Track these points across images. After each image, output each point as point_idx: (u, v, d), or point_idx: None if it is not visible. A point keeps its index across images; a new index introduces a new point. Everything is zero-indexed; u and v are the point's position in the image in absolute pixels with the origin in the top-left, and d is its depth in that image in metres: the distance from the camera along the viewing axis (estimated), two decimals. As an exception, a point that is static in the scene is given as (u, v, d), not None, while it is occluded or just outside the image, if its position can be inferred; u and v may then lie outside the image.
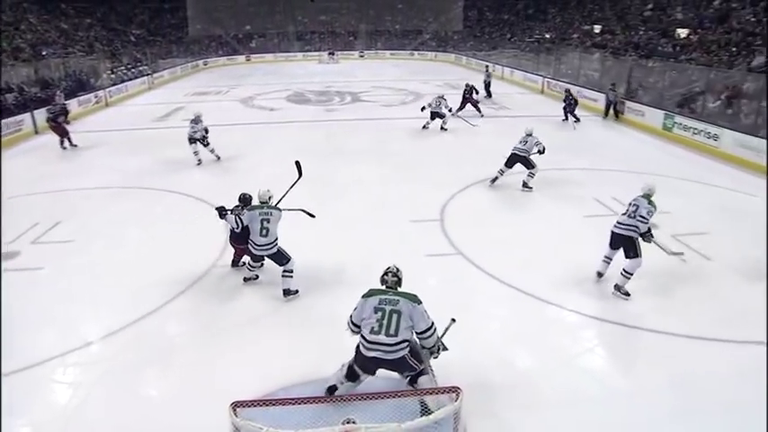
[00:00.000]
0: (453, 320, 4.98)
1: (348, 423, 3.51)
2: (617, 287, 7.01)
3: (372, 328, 4.54)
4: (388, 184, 11.36)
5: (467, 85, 18.60)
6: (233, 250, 7.59)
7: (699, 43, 20.28)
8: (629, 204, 6.99)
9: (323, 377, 5.21)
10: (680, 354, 6.02)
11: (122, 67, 27.84)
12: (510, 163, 10.99)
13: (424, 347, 4.73)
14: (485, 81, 21.95)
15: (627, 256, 6.89)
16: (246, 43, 45.84)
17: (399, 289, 4.78)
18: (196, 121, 12.65)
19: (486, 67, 23.81)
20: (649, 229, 6.77)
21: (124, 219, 9.63)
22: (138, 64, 29.63)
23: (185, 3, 45.65)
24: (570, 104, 17.79)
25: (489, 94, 21.85)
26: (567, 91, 18.53)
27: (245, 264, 7.46)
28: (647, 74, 19.28)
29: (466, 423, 4.37)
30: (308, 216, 7.58)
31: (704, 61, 18.24)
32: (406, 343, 4.54)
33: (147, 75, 28.40)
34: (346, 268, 7.60)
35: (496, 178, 11.18)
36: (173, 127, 17.06)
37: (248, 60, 42.42)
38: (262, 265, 7.29)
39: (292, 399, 3.63)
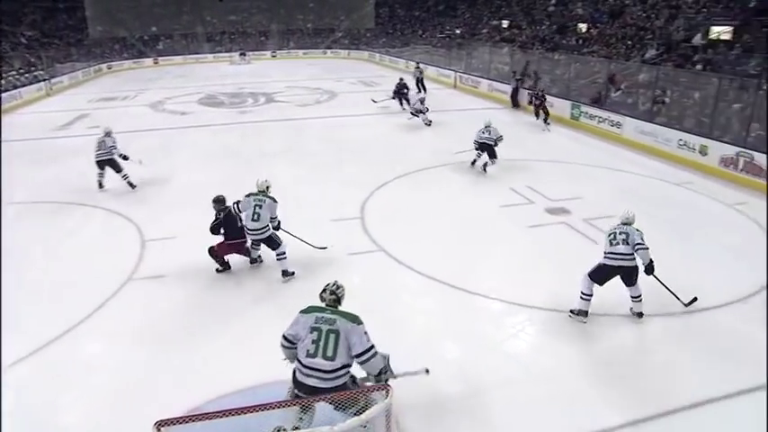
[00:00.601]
0: (427, 371, 4.80)
1: (279, 431, 3.42)
2: (636, 313, 6.56)
3: (308, 350, 4.14)
4: (307, 184, 11.26)
5: (400, 80, 18.99)
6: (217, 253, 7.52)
7: (599, 36, 21.39)
8: (612, 235, 6.48)
9: (251, 386, 5.12)
10: (597, 331, 6.32)
11: (14, 72, 25.87)
12: (481, 149, 11.93)
13: (368, 374, 4.37)
14: (417, 77, 21.98)
15: (628, 284, 6.44)
16: (153, 45, 44.03)
17: (339, 308, 4.40)
18: (103, 141, 10.86)
19: (418, 64, 23.67)
20: (651, 260, 6.35)
21: (32, 235, 9.01)
22: (33, 68, 27.72)
23: (83, 2, 43.21)
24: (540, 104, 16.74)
25: (424, 89, 21.87)
26: (535, 90, 17.69)
27: (222, 269, 7.59)
28: (554, 66, 20.11)
29: (398, 417, 4.38)
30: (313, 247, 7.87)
31: (604, 54, 19.24)
32: (347, 369, 4.17)
33: (44, 80, 26.53)
34: (266, 274, 7.49)
35: (475, 161, 12.16)
36: (76, 135, 16.13)
37: (156, 63, 40.78)
38: (259, 247, 7.61)
39: (219, 411, 3.48)
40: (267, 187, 7.37)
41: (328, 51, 44.33)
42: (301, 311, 4.37)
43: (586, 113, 16.57)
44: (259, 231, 7.12)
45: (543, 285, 7.28)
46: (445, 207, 10.07)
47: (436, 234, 8.80)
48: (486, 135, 11.94)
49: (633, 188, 11.30)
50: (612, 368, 5.69)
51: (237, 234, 7.39)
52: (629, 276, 6.36)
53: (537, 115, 16.74)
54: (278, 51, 43.79)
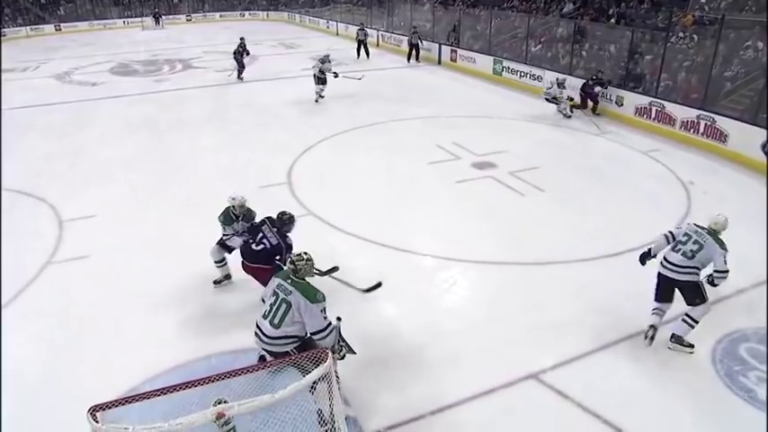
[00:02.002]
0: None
1: (220, 403, 3.33)
2: (676, 338, 5.30)
3: (264, 311, 4.23)
4: (231, 151, 10.91)
5: (241, 40, 17.74)
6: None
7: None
8: (685, 237, 5.22)
9: (188, 361, 5.01)
10: (526, 280, 6.54)
11: None
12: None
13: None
14: (359, 40, 21.36)
15: (691, 304, 5.22)
16: (53, 10, 40.85)
17: (298, 279, 4.26)
18: None
19: (362, 24, 22.73)
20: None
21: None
22: None
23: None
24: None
25: (367, 53, 21.25)
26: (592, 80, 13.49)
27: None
28: (475, 22, 20.20)
29: (342, 380, 4.39)
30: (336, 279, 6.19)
31: (524, 9, 19.44)
32: (292, 339, 4.16)
33: None
34: (196, 244, 7.24)
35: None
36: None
37: (59, 30, 37.87)
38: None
39: (157, 390, 3.35)
40: (233, 206, 6.08)
41: (246, 13, 42.67)
42: (275, 274, 4.48)
43: (508, 68, 16.81)
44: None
45: (473, 239, 7.44)
46: (372, 167, 10.04)
47: (365, 195, 8.79)
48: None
49: (555, 140, 11.65)
50: (544, 312, 5.93)
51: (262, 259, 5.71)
52: (689, 292, 5.18)
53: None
54: (193, 15, 41.79)
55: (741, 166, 10.03)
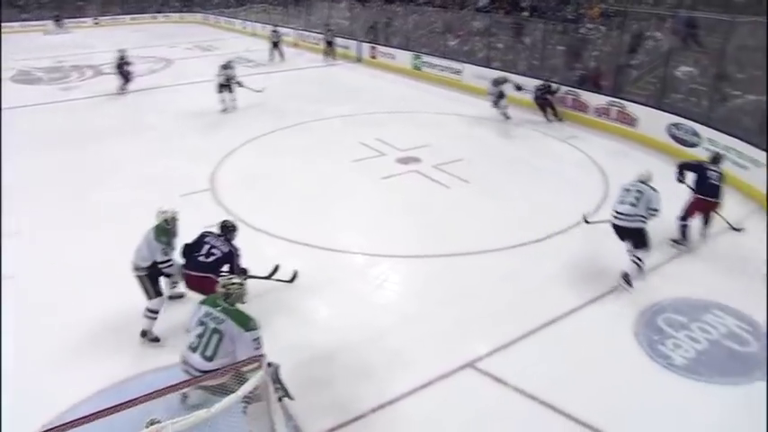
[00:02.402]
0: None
1: (153, 424, 3.16)
2: (625, 276, 6.13)
3: (191, 343, 4.00)
4: (150, 160, 10.45)
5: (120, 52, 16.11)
6: None
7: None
8: (626, 191, 6.24)
9: (117, 383, 4.79)
10: (457, 271, 6.64)
11: None
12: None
13: None
14: (273, 42, 20.56)
15: (636, 247, 6.17)
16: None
17: (229, 305, 4.06)
18: None
19: (275, 26, 21.97)
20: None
21: None
22: None
23: None
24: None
25: (281, 55, 20.49)
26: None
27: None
28: (393, 18, 20.30)
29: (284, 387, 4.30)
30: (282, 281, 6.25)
31: (440, 3, 19.71)
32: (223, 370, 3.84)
33: None
34: (116, 263, 6.90)
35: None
36: None
37: (-52, 38, 35.29)
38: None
39: (83, 417, 3.12)
40: (165, 220, 5.38)
41: (158, 15, 41.12)
42: (200, 301, 4.20)
43: (427, 63, 17.03)
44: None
45: (402, 234, 7.48)
46: (297, 168, 9.88)
47: (291, 196, 8.65)
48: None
49: (476, 132, 11.91)
50: (476, 301, 6.03)
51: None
52: (635, 238, 6.12)
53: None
54: (100, 18, 39.86)
55: (649, 148, 10.60)
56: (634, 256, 6.15)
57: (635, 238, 6.12)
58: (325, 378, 4.97)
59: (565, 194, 8.62)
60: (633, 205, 6.06)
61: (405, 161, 10.06)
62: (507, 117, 12.34)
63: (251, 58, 20.58)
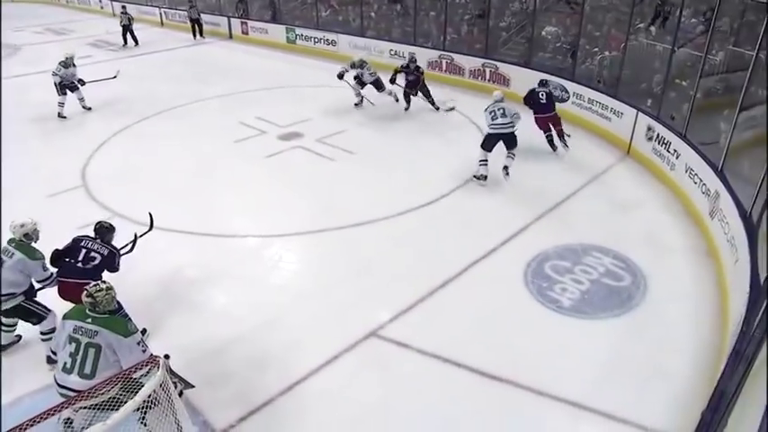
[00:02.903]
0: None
1: None
2: (507, 169, 7.76)
3: (64, 364, 3.61)
4: (8, 159, 9.34)
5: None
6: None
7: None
8: (492, 112, 7.74)
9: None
10: (350, 242, 6.62)
11: None
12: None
13: None
14: (123, 25, 18.41)
15: (510, 147, 7.76)
16: None
17: (99, 314, 3.68)
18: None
19: (124, 7, 19.98)
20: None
21: None
22: None
23: None
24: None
25: (135, 41, 18.56)
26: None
27: None
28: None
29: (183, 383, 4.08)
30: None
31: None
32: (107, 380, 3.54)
33: None
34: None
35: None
36: None
37: None
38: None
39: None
40: (26, 234, 4.74)
41: (-4, -2, 37.06)
42: (63, 316, 3.78)
43: (302, 36, 16.67)
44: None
45: (291, 211, 7.34)
46: (175, 155, 9.32)
47: (172, 185, 8.15)
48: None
49: (354, 100, 11.82)
50: (372, 270, 6.06)
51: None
52: (509, 141, 7.74)
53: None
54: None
55: (523, 106, 11.08)
56: (510, 153, 7.76)
57: (511, 140, 7.73)
58: (228, 368, 4.78)
59: (447, 156, 8.83)
60: (504, 116, 7.68)
61: (287, 137, 9.82)
62: (397, 100, 11.36)
63: (112, 42, 19.09)
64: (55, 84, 11.07)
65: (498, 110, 7.75)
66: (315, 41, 16.25)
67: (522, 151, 8.15)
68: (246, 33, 18.60)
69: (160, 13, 22.78)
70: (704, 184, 6.59)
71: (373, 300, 5.60)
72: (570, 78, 10.38)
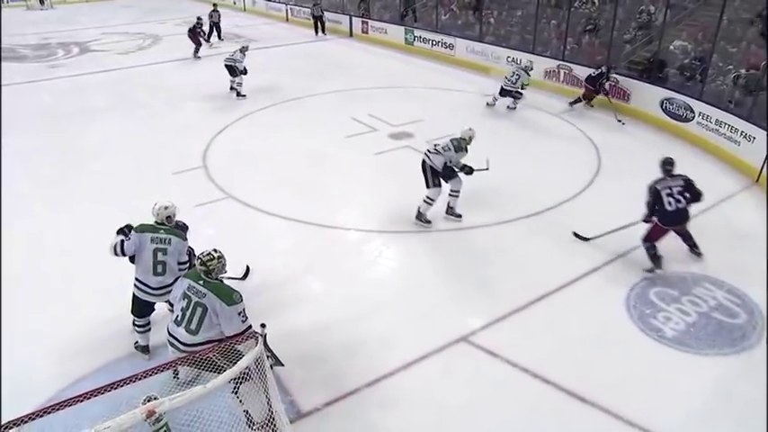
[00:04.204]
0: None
1: (150, 401, 3.16)
2: (450, 209, 7.08)
3: (177, 317, 3.96)
4: (141, 138, 10.30)
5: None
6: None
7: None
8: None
9: (109, 362, 4.79)
10: (449, 245, 6.66)
11: None
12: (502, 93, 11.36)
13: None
14: (213, 22, 19.14)
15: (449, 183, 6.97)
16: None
17: (210, 279, 3.97)
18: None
19: (215, 6, 21.01)
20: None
21: None
22: None
23: None
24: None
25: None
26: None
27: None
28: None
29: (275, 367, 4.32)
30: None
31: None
32: (213, 344, 3.83)
33: None
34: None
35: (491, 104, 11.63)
36: None
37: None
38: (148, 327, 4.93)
39: (79, 396, 3.09)
40: (168, 216, 4.77)
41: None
42: (183, 275, 4.16)
43: (420, 37, 16.85)
44: (166, 289, 4.62)
45: (395, 209, 7.47)
46: (289, 144, 9.81)
47: (284, 173, 8.61)
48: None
49: (469, 105, 11.82)
50: (468, 275, 6.07)
51: None
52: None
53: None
54: (86, -7, 39.04)
55: (643, 123, 10.59)
56: (452, 191, 7.14)
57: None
58: (318, 354, 4.98)
59: (558, 168, 8.65)
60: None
61: (397, 137, 10.01)
62: (513, 108, 11.48)
63: (241, 35, 20.29)
64: (228, 67, 12.37)
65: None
66: (433, 44, 16.38)
67: (635, 170, 7.82)
68: (366, 32, 19.09)
69: (286, 10, 23.88)
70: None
71: (467, 305, 5.61)
72: (697, 97, 9.78)
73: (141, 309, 4.78)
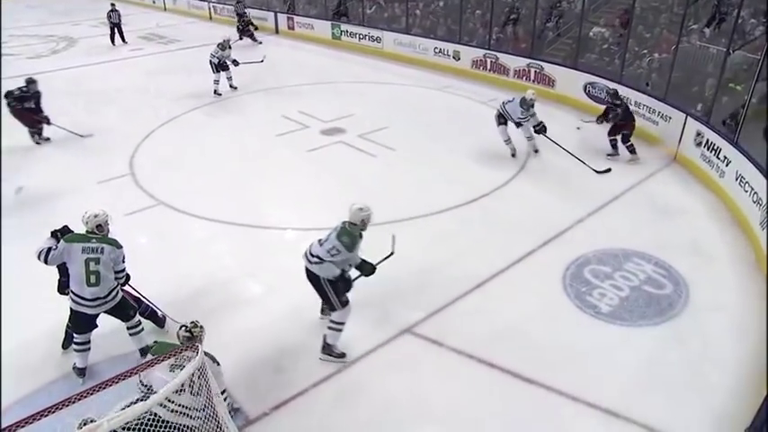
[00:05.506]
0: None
1: (86, 424, 2.96)
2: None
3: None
4: (62, 148, 9.75)
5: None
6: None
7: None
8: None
9: (38, 388, 4.52)
10: (387, 239, 6.64)
11: None
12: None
13: None
14: (111, 23, 17.99)
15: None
16: None
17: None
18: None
19: (112, 5, 19.59)
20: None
21: None
22: None
23: None
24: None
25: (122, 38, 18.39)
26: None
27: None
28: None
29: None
30: None
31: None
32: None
33: None
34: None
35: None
36: None
37: None
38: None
39: (5, 428, 2.82)
40: (99, 225, 4.51)
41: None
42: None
43: (347, 32, 16.78)
44: (102, 300, 4.45)
45: (332, 205, 7.32)
46: (219, 147, 9.53)
47: (216, 176, 8.35)
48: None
49: (399, 98, 11.90)
50: (409, 266, 6.04)
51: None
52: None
53: None
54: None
55: (567, 106, 10.93)
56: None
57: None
58: (262, 356, 4.90)
59: (488, 156, 8.78)
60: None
61: (329, 132, 9.93)
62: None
63: (162, 35, 19.61)
64: (211, 63, 12.11)
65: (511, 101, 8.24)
66: (360, 38, 16.34)
67: (564, 153, 8.08)
68: (293, 28, 18.83)
69: (209, 8, 23.22)
70: (755, 192, 6.38)
71: (409, 297, 5.61)
72: (617, 81, 10.17)
73: (80, 324, 4.54)
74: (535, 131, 8.42)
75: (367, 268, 4.88)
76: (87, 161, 9.01)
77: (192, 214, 7.22)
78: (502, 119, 8.58)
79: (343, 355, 4.84)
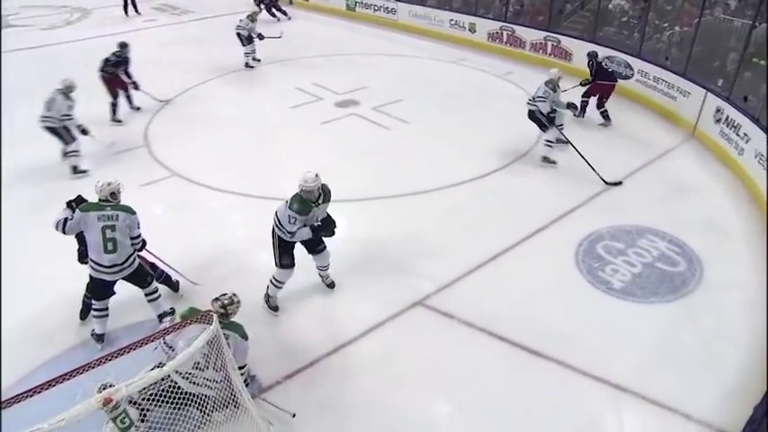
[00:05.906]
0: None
1: (105, 388, 3.03)
2: (545, 158, 7.63)
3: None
4: (80, 119, 9.76)
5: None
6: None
7: None
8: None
9: (59, 354, 4.62)
10: (403, 211, 6.66)
11: None
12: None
13: None
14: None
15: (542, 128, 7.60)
16: None
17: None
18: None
19: None
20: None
21: None
22: None
23: None
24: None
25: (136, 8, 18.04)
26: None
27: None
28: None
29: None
30: None
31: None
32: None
33: None
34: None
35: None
36: None
37: None
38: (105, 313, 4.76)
39: (29, 391, 2.90)
40: (113, 192, 4.59)
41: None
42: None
43: (362, 3, 16.56)
44: (120, 267, 4.56)
45: (345, 177, 7.33)
46: (234, 118, 9.54)
47: (230, 147, 8.37)
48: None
49: (413, 70, 11.78)
50: (423, 240, 6.09)
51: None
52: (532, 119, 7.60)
53: None
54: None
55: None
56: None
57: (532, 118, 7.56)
58: (274, 326, 4.97)
59: (504, 130, 8.69)
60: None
61: (343, 104, 9.88)
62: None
63: (176, 6, 19.45)
64: (240, 36, 11.90)
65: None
66: (374, 9, 16.12)
67: (581, 129, 8.00)
68: (307, 0, 18.60)
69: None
70: (774, 170, 6.31)
71: (420, 270, 5.63)
72: (636, 54, 9.99)
73: (98, 290, 4.63)
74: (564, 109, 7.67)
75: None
76: (102, 132, 9.02)
77: (206, 185, 7.25)
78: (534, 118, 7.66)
79: (276, 309, 5.17)
